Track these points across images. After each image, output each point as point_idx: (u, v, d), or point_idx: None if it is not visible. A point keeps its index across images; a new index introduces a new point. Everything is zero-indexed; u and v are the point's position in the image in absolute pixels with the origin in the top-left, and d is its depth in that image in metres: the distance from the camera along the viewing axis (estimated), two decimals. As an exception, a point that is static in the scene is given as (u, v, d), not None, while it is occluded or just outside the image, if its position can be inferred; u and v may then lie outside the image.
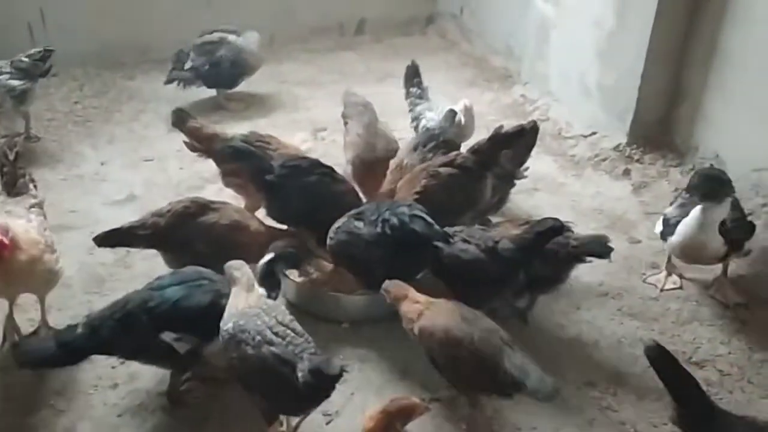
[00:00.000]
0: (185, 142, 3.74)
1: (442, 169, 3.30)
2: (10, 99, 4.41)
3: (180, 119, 3.74)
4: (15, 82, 4.39)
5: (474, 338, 2.51)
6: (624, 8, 4.37)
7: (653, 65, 4.30)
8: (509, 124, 3.64)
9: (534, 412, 2.77)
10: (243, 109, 5.15)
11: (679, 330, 3.20)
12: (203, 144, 3.65)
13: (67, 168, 4.39)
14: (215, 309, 2.52)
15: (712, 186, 2.99)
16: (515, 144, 3.42)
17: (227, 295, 2.54)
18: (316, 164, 3.37)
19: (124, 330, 2.51)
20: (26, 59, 4.44)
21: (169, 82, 5.06)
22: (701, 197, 2.98)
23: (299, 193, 3.21)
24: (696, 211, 3.05)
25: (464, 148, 3.67)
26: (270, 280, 2.83)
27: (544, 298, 3.35)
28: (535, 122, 3.64)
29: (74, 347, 2.52)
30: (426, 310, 2.66)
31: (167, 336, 2.51)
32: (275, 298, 2.80)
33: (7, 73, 4.38)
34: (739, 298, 3.32)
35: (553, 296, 3.38)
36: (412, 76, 4.41)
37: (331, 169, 3.41)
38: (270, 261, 2.87)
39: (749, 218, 3.32)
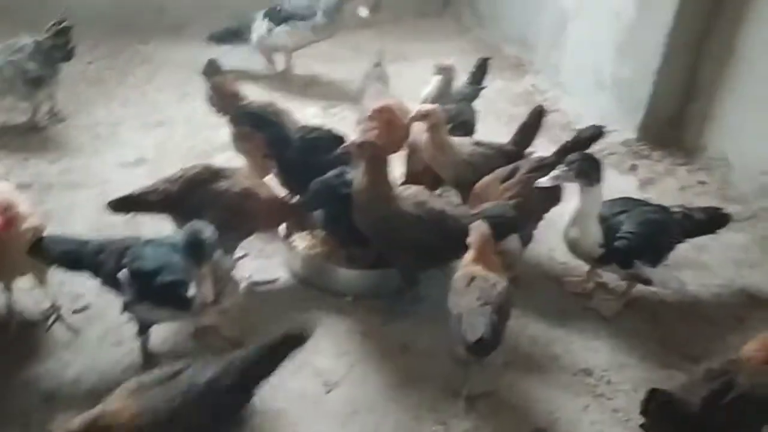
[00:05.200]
0: (206, 95, 3.69)
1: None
2: (22, 83, 4.06)
3: (211, 69, 3.67)
4: (31, 65, 4.04)
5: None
6: (645, 2, 4.38)
7: (670, 62, 4.31)
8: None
9: (529, 394, 2.82)
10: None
11: (678, 325, 3.24)
12: (224, 100, 3.61)
13: (80, 127, 4.40)
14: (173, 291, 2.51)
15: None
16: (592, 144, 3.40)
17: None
18: (334, 137, 3.37)
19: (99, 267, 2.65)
20: (49, 40, 4.10)
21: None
22: None
23: (319, 168, 3.19)
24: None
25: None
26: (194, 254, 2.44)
27: (553, 285, 3.40)
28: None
29: (74, 257, 2.68)
30: None
31: (122, 275, 2.57)
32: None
33: (27, 53, 4.03)
34: (612, 311, 3.26)
35: (560, 285, 3.41)
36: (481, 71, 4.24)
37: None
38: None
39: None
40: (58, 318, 2.94)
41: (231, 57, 4.98)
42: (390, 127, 3.54)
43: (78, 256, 2.68)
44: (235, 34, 5.10)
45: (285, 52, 5.16)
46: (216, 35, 5.14)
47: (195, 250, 2.40)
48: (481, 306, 2.54)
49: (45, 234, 2.75)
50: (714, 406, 2.28)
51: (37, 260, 2.72)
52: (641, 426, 2.41)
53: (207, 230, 2.44)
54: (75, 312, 3.02)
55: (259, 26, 5.02)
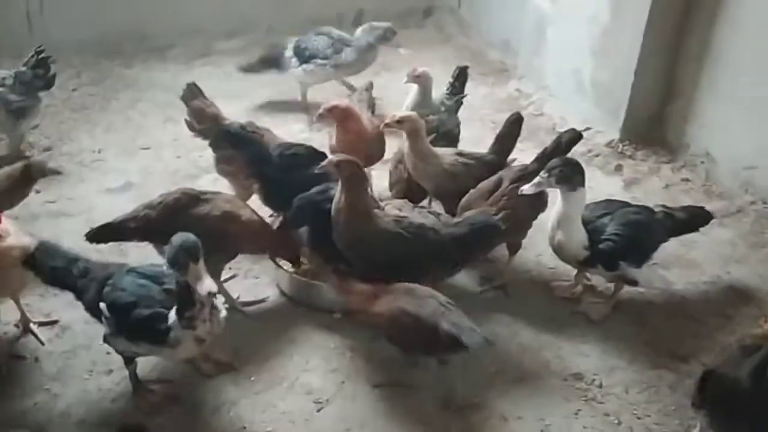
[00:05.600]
0: (186, 120, 3.71)
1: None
2: (5, 113, 4.09)
3: (190, 94, 3.69)
4: (13, 97, 4.09)
5: (417, 307, 2.67)
6: (619, 5, 4.41)
7: (647, 62, 4.35)
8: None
9: (520, 402, 2.83)
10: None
11: (666, 325, 3.25)
12: (203, 124, 3.62)
13: (65, 155, 4.41)
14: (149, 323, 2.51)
15: None
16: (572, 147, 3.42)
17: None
18: (313, 152, 3.38)
19: (82, 292, 2.68)
20: (29, 71, 4.16)
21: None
22: None
23: (299, 184, 3.19)
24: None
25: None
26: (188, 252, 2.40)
27: (541, 291, 3.42)
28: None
29: (61, 275, 2.71)
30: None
31: (102, 306, 2.57)
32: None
33: (8, 86, 4.09)
34: (601, 315, 3.28)
35: (548, 291, 3.43)
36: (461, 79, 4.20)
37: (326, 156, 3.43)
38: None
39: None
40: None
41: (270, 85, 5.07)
42: (347, 127, 3.53)
43: (64, 275, 2.69)
44: (267, 63, 5.04)
45: (303, 86, 5.12)
46: (249, 66, 5.07)
47: (189, 247, 2.37)
48: (447, 308, 2.67)
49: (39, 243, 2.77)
50: (761, 379, 2.33)
51: (28, 271, 2.74)
52: (693, 405, 2.52)
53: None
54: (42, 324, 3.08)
55: (289, 58, 4.97)
